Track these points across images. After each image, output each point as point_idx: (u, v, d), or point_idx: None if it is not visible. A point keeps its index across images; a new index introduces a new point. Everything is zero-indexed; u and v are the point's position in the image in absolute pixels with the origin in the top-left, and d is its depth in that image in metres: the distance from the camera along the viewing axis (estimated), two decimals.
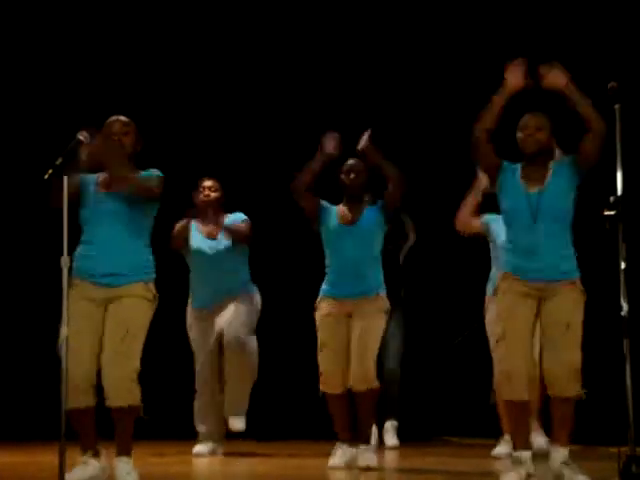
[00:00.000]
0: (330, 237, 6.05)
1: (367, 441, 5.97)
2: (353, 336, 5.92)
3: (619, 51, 7.74)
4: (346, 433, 5.98)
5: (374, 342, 5.93)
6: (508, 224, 5.05)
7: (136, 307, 4.90)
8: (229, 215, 7.04)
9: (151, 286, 4.98)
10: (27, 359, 8.41)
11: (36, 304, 8.24)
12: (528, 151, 4.99)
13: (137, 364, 4.85)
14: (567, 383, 4.85)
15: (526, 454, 4.92)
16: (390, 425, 7.65)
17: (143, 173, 4.99)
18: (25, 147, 8.43)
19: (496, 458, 6.51)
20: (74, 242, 4.85)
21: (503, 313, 4.99)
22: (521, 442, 4.95)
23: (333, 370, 5.92)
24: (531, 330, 4.95)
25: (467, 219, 6.62)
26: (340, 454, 5.91)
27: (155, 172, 5.01)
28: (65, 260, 4.51)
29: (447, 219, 6.84)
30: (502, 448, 6.62)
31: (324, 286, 6.06)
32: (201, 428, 6.92)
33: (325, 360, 5.95)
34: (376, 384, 5.93)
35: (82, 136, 4.72)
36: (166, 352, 7.88)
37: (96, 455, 4.92)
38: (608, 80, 4.59)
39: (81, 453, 4.89)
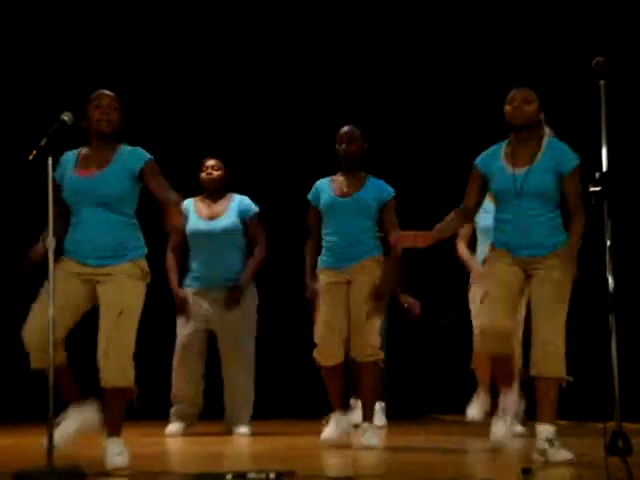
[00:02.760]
0: (326, 209, 6.01)
1: (370, 418, 5.88)
2: (352, 302, 5.88)
3: (605, 26, 7.74)
4: (339, 402, 5.96)
5: (375, 311, 5.86)
6: (497, 203, 5.10)
7: (126, 286, 4.86)
8: (235, 196, 7.01)
9: (140, 263, 4.93)
10: (13, 340, 8.38)
11: (21, 285, 8.21)
12: (515, 123, 5.00)
13: (132, 345, 4.83)
14: (548, 365, 4.89)
15: (511, 396, 5.11)
16: (378, 406, 7.65)
17: (128, 149, 4.96)
18: (9, 129, 8.38)
19: (472, 421, 6.81)
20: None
21: (488, 275, 5.08)
22: (504, 387, 5.12)
23: (328, 341, 5.88)
24: (515, 293, 4.99)
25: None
26: (333, 424, 5.90)
27: (142, 154, 4.97)
28: (50, 241, 4.49)
29: (431, 200, 6.88)
30: (474, 409, 6.95)
31: (322, 257, 6.03)
32: (176, 407, 6.92)
33: (320, 330, 5.91)
34: (380, 355, 5.88)
35: (66, 117, 4.70)
36: (156, 333, 7.86)
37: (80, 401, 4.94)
38: (594, 55, 4.58)
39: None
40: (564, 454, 4.80)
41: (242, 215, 6.97)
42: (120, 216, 4.92)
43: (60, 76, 8.52)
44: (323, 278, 5.99)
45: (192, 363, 6.91)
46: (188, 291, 6.96)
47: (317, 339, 5.94)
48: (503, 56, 8.07)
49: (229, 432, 6.89)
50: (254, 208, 7.02)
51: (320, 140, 6.69)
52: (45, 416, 4.38)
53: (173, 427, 6.88)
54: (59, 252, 4.94)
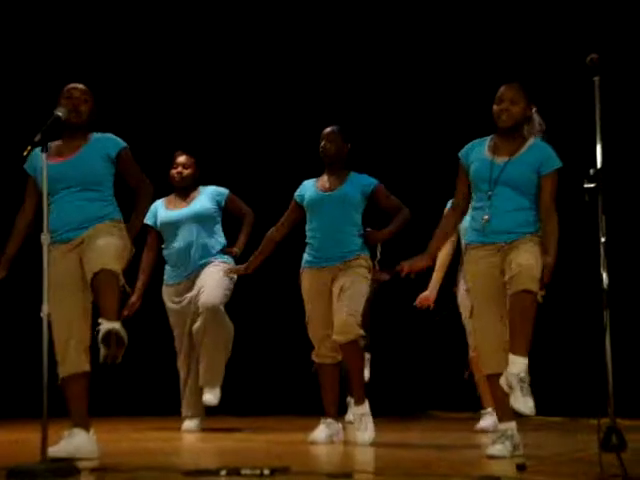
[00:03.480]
0: (309, 205, 6.01)
1: (361, 400, 5.84)
2: (334, 293, 5.85)
3: (599, 23, 7.74)
4: (333, 408, 5.95)
5: (357, 294, 5.82)
6: (473, 191, 5.06)
7: (105, 241, 4.83)
8: (203, 187, 7.00)
9: (118, 223, 4.96)
10: (7, 337, 8.38)
11: (16, 281, 8.20)
12: (502, 125, 5.00)
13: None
14: (525, 280, 4.75)
15: (511, 425, 4.93)
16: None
17: (101, 135, 5.03)
18: (3, 124, 8.37)
19: (482, 431, 6.50)
20: None
21: (470, 286, 5.05)
22: (505, 416, 4.95)
23: (322, 340, 5.90)
24: (499, 298, 4.89)
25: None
26: (323, 428, 5.90)
27: (118, 139, 5.03)
28: (45, 237, 4.49)
29: (422, 201, 6.89)
30: (485, 421, 6.64)
31: (305, 256, 6.02)
32: (186, 404, 6.92)
33: (313, 332, 5.94)
34: (359, 333, 5.78)
35: (60, 112, 4.70)
36: (148, 330, 7.87)
37: (84, 427, 4.90)
38: (588, 52, 4.59)
39: (70, 426, 4.89)
40: (528, 402, 4.68)
41: (217, 201, 6.97)
42: (96, 193, 4.96)
43: (53, 72, 8.51)
44: (306, 279, 5.99)
45: (191, 353, 6.90)
46: (166, 289, 6.95)
47: (312, 340, 5.96)
48: (496, 53, 8.07)
49: (224, 428, 6.90)
50: (225, 190, 7.01)
51: (307, 140, 6.68)
52: (39, 411, 4.38)
53: (190, 423, 6.88)
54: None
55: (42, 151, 4.51)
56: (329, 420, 5.93)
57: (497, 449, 4.86)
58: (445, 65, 8.41)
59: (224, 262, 6.86)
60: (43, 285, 4.45)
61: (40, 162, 4.82)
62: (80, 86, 5.04)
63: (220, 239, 6.98)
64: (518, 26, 8.15)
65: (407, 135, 8.56)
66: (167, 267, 6.99)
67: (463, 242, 6.87)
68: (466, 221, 6.61)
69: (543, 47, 7.89)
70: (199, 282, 6.81)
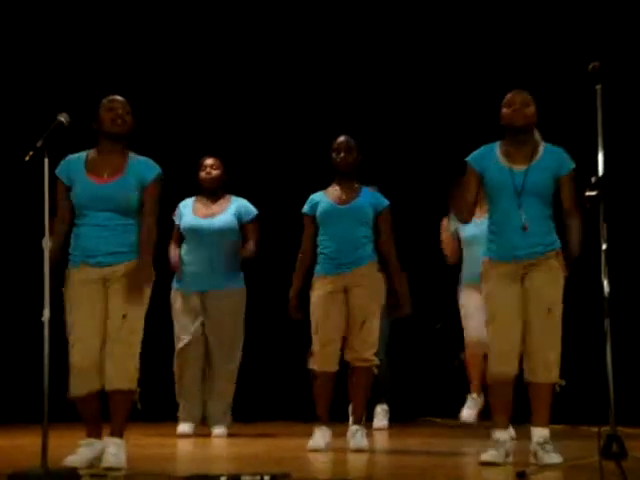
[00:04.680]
0: (324, 218, 5.99)
1: (359, 421, 5.91)
2: (351, 307, 5.87)
3: (601, 31, 7.75)
4: (327, 415, 5.93)
5: (374, 326, 5.89)
6: (493, 203, 5.07)
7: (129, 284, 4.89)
8: (235, 198, 7.03)
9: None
10: (8, 341, 8.37)
11: (19, 287, 8.21)
12: (517, 125, 4.99)
13: (138, 347, 4.91)
14: (547, 371, 4.94)
15: (506, 434, 5.00)
16: (380, 409, 7.65)
17: (140, 159, 4.99)
18: (5, 129, 8.38)
19: (464, 424, 6.81)
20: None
21: (489, 295, 5.04)
22: (502, 423, 5.02)
23: (330, 348, 5.85)
24: (517, 308, 4.97)
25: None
26: (320, 435, 5.85)
27: (155, 166, 5.01)
28: (46, 241, 4.49)
29: (422, 211, 6.91)
30: (469, 410, 7.03)
31: (318, 266, 6.00)
32: (184, 408, 6.93)
33: (323, 335, 5.85)
34: (374, 361, 5.89)
35: (62, 118, 4.70)
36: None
37: (98, 436, 4.95)
38: (590, 60, 4.59)
39: (86, 436, 4.92)
40: (554, 457, 4.82)
41: (240, 217, 6.98)
42: (130, 219, 4.95)
43: (55, 77, 8.52)
44: (319, 287, 5.95)
45: (196, 364, 6.94)
46: (177, 294, 6.97)
47: (315, 347, 5.91)
48: (499, 61, 8.07)
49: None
50: (253, 211, 7.04)
51: (312, 150, 6.68)
52: (40, 417, 4.38)
53: (184, 427, 6.89)
54: (64, 257, 4.97)
55: (44, 157, 4.51)
56: (324, 427, 5.89)
57: (491, 455, 4.91)
58: (447, 73, 8.40)
59: (240, 289, 6.97)
60: (44, 290, 4.44)
61: (79, 174, 4.91)
62: (120, 98, 5.02)
63: (238, 255, 6.98)
64: (520, 34, 8.15)
65: (407, 145, 8.55)
66: (183, 271, 6.95)
67: (463, 240, 6.98)
68: (467, 228, 6.66)
69: (545, 55, 7.89)
70: (214, 317, 6.89)
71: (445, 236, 7.19)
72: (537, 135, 5.11)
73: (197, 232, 6.90)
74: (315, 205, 6.04)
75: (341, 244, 5.92)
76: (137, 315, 4.91)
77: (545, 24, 8.07)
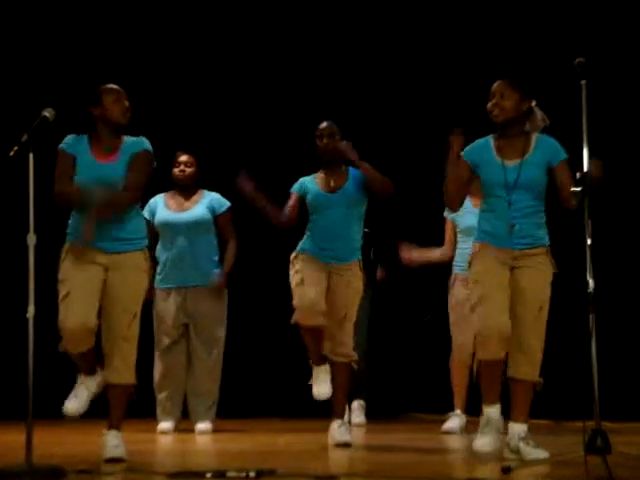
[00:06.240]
0: (314, 205, 5.92)
1: (341, 416, 5.89)
2: (331, 302, 5.78)
3: (586, 26, 7.76)
4: (320, 358, 5.88)
5: (352, 321, 5.88)
6: (486, 195, 5.05)
7: (133, 280, 4.95)
8: (207, 192, 7.04)
9: (146, 252, 5.04)
10: None
11: (3, 283, 8.19)
12: (495, 121, 4.99)
13: (136, 339, 4.99)
14: (532, 368, 4.94)
15: (496, 409, 5.01)
16: (358, 404, 7.65)
17: (133, 140, 5.02)
18: None
19: (448, 433, 6.63)
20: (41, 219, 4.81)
21: (478, 277, 5.00)
22: (491, 397, 5.01)
23: (312, 301, 5.71)
24: (507, 294, 4.95)
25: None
26: (322, 379, 5.87)
27: (143, 142, 5.04)
28: (31, 238, 4.46)
29: (414, 202, 6.90)
30: (452, 422, 6.78)
31: (304, 245, 5.88)
32: (164, 406, 6.93)
33: (305, 292, 5.73)
34: (354, 357, 5.89)
35: (48, 113, 4.68)
36: None
37: (93, 373, 5.09)
38: (575, 56, 4.59)
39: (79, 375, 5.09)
40: (539, 452, 4.82)
41: (213, 210, 7.00)
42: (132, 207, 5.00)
43: (40, 72, 8.49)
44: (303, 262, 5.83)
45: (178, 362, 6.93)
46: (159, 292, 6.96)
47: (297, 300, 5.76)
48: (484, 56, 8.07)
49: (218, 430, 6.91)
50: (226, 202, 7.05)
51: (296, 138, 6.66)
52: (25, 413, 4.36)
53: (165, 424, 6.89)
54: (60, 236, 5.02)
55: (29, 152, 4.49)
56: (322, 367, 5.91)
57: (481, 443, 4.97)
58: (432, 67, 8.41)
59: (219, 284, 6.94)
60: (29, 286, 4.43)
61: (82, 153, 4.92)
62: (122, 89, 5.05)
63: (214, 249, 7.00)
64: (505, 29, 8.16)
65: (396, 133, 8.55)
66: (159, 270, 6.96)
67: (460, 230, 6.88)
68: (465, 218, 6.61)
69: (530, 50, 7.90)
70: (196, 314, 6.89)
71: (449, 236, 7.06)
72: (530, 124, 5.04)
73: (172, 226, 6.87)
74: (304, 188, 5.98)
75: (332, 234, 5.85)
76: (139, 313, 5.00)
77: (531, 19, 8.09)
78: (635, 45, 7.83)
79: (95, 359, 5.06)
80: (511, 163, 4.97)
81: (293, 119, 8.39)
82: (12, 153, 4.49)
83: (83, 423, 5.09)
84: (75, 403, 5.05)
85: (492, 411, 5.01)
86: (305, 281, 5.78)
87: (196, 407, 6.94)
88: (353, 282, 5.88)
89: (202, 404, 6.92)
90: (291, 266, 5.89)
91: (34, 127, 4.59)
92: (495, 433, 5.00)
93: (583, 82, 4.54)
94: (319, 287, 5.78)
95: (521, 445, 4.85)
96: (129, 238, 4.96)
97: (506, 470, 4.31)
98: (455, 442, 6.18)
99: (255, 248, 8.14)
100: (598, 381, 4.38)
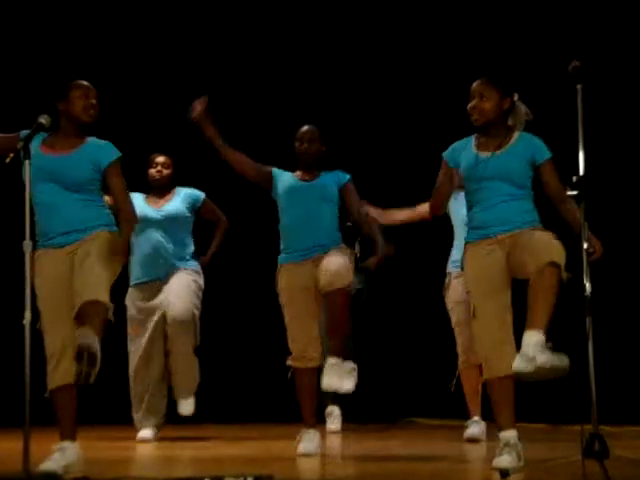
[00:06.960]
0: (288, 193, 5.81)
1: (340, 354, 5.57)
2: (322, 268, 5.53)
3: (582, 30, 7.77)
4: (313, 419, 5.76)
5: (343, 258, 5.55)
6: (468, 192, 4.95)
7: (93, 243, 4.72)
8: (180, 188, 7.06)
9: (113, 233, 4.82)
10: None
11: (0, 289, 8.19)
12: (475, 124, 4.89)
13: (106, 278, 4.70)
14: (551, 251, 4.60)
15: (513, 434, 4.71)
16: (332, 410, 7.57)
17: (98, 142, 4.88)
18: None
19: (471, 440, 6.32)
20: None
21: (470, 287, 4.86)
22: (506, 422, 4.74)
23: (305, 342, 5.65)
24: (500, 296, 4.76)
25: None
26: (309, 439, 5.71)
27: (112, 150, 4.88)
28: (27, 244, 4.45)
29: (405, 200, 6.87)
30: (473, 428, 6.42)
31: (282, 254, 5.80)
32: (143, 412, 6.84)
33: (296, 332, 5.67)
34: (348, 280, 5.54)
35: (43, 120, 4.68)
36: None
37: (74, 439, 4.76)
38: (570, 59, 4.60)
39: (59, 439, 4.73)
40: (561, 358, 4.52)
41: (193, 205, 7.04)
42: (84, 195, 4.81)
43: (35, 77, 8.49)
44: (285, 276, 5.73)
45: (155, 366, 6.89)
46: (132, 291, 6.92)
47: (290, 344, 5.73)
48: (478, 59, 8.07)
49: (204, 437, 6.88)
50: (201, 194, 7.09)
51: (278, 139, 6.64)
52: (22, 421, 4.36)
53: (145, 432, 6.79)
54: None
55: (24, 158, 4.49)
56: (311, 431, 5.74)
57: (504, 460, 4.59)
58: (431, 68, 8.41)
59: (193, 269, 6.92)
60: (25, 292, 4.42)
61: (34, 145, 4.73)
62: (91, 87, 4.92)
63: (190, 243, 7.01)
64: (500, 33, 8.17)
65: (382, 136, 8.55)
66: (133, 266, 6.92)
67: (457, 222, 6.75)
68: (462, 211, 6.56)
69: (526, 54, 7.91)
70: (167, 289, 6.82)
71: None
72: (513, 118, 4.96)
73: (147, 221, 6.81)
74: (280, 175, 5.89)
75: (304, 225, 5.71)
76: (103, 255, 4.70)
77: (526, 23, 8.10)
78: (631, 49, 7.83)
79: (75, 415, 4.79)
80: (485, 155, 4.86)
81: (279, 122, 8.38)
82: (8, 160, 4.49)
83: (79, 430, 5.04)
84: (49, 463, 4.60)
85: (509, 436, 4.70)
86: (294, 318, 5.70)
87: (179, 384, 6.81)
88: (340, 257, 5.59)
89: (184, 381, 6.80)
90: (277, 287, 5.79)
91: (30, 134, 4.60)
92: (515, 451, 4.65)
93: (579, 86, 4.54)
94: (308, 328, 5.68)
95: (538, 351, 4.47)
96: (81, 229, 4.78)
97: (504, 474, 4.30)
98: (452, 448, 6.16)
99: (240, 247, 8.13)
100: (595, 385, 4.38)
